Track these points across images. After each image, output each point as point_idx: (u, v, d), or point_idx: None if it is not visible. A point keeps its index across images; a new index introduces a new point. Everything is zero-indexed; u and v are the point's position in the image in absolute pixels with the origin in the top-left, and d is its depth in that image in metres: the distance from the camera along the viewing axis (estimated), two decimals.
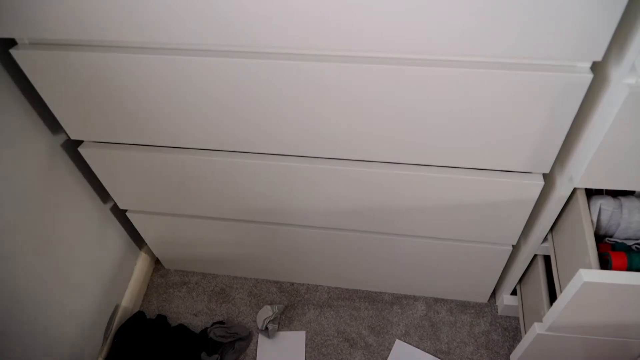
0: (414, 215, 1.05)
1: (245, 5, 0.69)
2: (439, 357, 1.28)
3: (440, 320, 1.35)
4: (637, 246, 0.90)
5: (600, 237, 0.93)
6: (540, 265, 1.13)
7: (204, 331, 1.32)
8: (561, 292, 0.86)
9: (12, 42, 0.84)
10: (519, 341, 1.22)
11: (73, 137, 1.00)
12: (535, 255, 1.15)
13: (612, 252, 0.87)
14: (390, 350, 1.30)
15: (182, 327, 1.34)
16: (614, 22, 0.63)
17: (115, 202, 1.24)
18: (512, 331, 1.31)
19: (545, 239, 1.04)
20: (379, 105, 0.81)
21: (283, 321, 1.37)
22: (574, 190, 0.91)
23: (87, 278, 1.18)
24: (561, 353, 1.03)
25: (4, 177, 0.91)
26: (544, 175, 0.92)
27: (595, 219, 0.89)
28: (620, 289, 0.77)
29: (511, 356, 1.17)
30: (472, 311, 1.36)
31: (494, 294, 1.38)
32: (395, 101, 0.80)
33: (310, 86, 0.80)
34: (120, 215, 1.30)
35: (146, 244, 1.43)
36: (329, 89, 0.79)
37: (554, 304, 0.87)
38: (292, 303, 1.40)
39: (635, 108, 0.68)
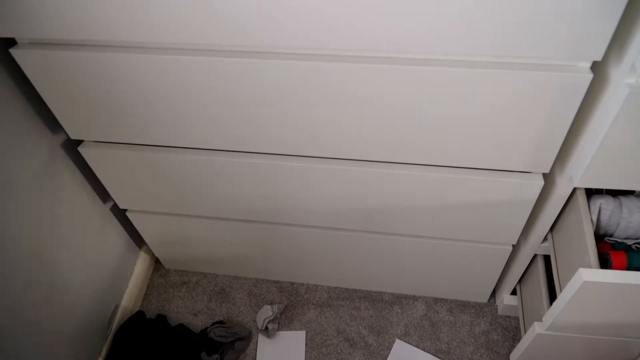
0: (414, 215, 1.05)
1: (245, 5, 0.69)
2: (439, 357, 1.28)
3: (440, 320, 1.35)
4: (637, 245, 0.90)
5: (600, 237, 0.93)
6: (540, 265, 1.13)
7: (204, 331, 1.32)
8: (561, 291, 0.86)
9: (12, 42, 0.84)
10: (518, 341, 1.22)
11: (73, 137, 1.00)
12: (535, 255, 1.15)
13: (612, 251, 0.87)
14: (390, 350, 1.30)
15: (182, 327, 1.34)
16: (614, 22, 0.63)
17: (115, 202, 1.24)
18: (512, 331, 1.31)
19: (545, 239, 1.04)
20: (379, 104, 0.81)
21: (283, 321, 1.37)
22: (574, 190, 0.91)
23: (87, 278, 1.18)
24: (561, 353, 1.03)
25: (3, 177, 0.91)
26: (544, 175, 0.92)
27: (595, 219, 0.89)
28: (620, 289, 0.77)
29: (511, 356, 1.17)
30: (472, 311, 1.36)
31: (494, 294, 1.38)
32: (395, 101, 0.80)
33: (310, 86, 0.79)
34: (120, 215, 1.30)
35: (146, 244, 1.43)
36: (328, 89, 0.79)
37: (554, 304, 0.87)
38: (292, 303, 1.40)
39: (635, 108, 0.68)
